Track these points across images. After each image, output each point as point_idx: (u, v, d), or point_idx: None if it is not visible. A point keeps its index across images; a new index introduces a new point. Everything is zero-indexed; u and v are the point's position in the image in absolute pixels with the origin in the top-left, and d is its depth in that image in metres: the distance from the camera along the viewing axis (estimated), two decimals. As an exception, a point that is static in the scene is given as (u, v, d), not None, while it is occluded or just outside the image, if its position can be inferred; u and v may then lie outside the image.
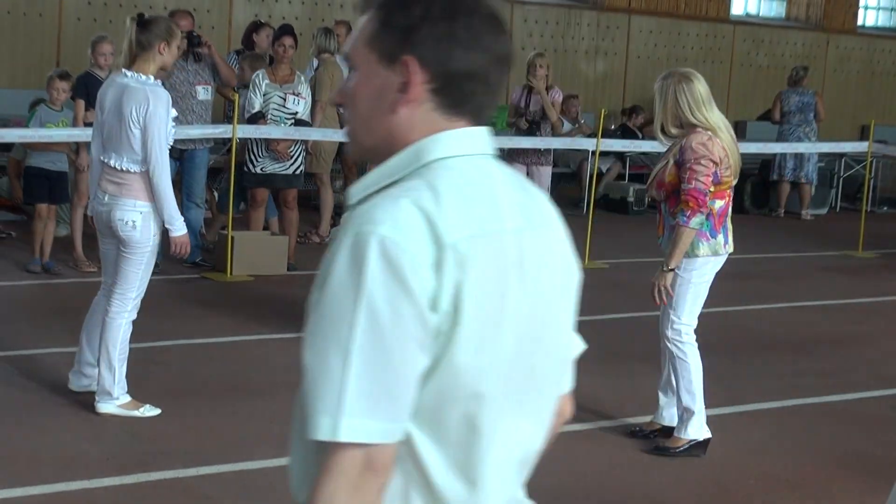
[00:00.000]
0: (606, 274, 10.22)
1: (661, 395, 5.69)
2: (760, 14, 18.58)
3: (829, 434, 5.99)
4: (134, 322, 5.53)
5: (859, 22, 19.38)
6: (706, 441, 5.47)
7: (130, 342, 5.61)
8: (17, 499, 4.50)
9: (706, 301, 5.52)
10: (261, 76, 9.30)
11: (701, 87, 5.25)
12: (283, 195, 9.53)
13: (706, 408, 5.56)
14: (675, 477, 5.22)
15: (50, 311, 7.05)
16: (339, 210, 11.66)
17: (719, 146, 5.25)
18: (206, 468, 4.93)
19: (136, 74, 5.53)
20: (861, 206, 13.12)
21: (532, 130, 10.78)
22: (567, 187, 15.19)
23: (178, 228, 5.61)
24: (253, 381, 6.30)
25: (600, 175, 14.03)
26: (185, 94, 9.02)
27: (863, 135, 17.39)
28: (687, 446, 5.44)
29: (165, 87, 8.87)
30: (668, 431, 5.58)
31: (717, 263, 5.43)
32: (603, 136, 11.41)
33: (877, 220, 14.53)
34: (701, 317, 5.54)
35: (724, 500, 5.01)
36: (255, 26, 10.59)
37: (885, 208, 15.78)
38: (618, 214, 14.17)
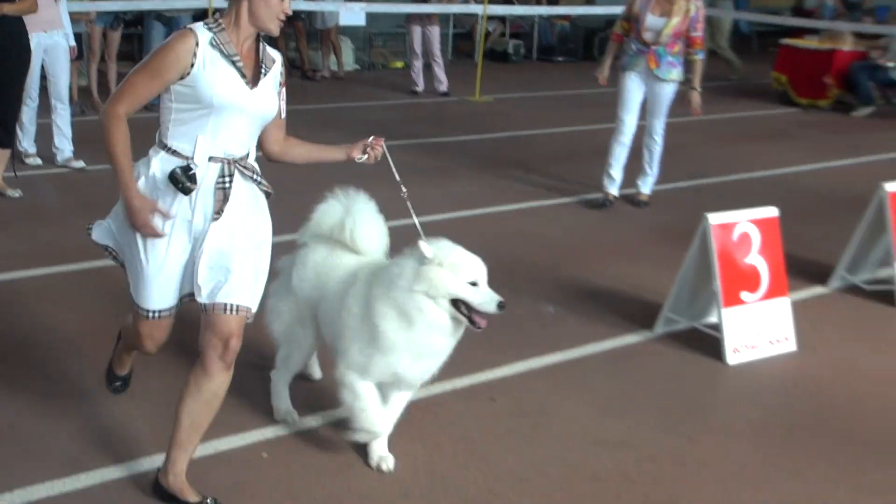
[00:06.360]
0: (491, 105, 12.57)
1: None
2: None
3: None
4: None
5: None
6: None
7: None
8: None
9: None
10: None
11: None
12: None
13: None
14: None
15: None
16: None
17: None
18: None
19: None
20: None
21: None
22: (462, 43, 17.52)
23: None
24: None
25: (488, 34, 16.34)
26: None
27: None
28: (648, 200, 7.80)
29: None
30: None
31: None
32: (490, 3, 13.66)
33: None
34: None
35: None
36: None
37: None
38: (501, 63, 16.69)
